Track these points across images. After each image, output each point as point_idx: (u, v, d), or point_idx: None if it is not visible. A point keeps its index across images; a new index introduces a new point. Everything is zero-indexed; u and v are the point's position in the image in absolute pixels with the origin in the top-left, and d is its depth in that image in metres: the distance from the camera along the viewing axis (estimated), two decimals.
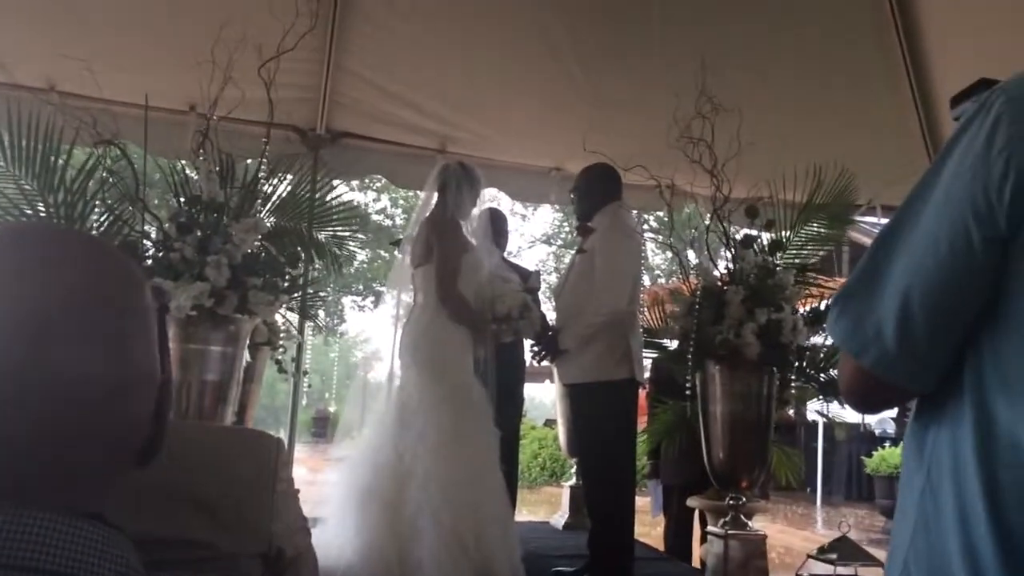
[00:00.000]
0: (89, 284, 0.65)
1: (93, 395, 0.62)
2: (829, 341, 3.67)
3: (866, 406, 1.06)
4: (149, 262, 2.96)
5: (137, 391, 0.66)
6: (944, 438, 0.88)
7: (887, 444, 10.69)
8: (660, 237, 14.00)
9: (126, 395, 0.65)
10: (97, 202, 3.27)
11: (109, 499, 0.65)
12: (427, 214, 3.71)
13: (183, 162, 3.35)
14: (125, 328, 0.66)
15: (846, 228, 4.02)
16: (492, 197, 6.89)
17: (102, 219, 3.26)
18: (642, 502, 4.81)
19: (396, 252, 4.35)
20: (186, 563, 1.02)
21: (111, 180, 3.21)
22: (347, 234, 3.99)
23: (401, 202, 18.25)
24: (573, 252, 4.20)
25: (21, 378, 0.60)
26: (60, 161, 3.27)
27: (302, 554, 1.17)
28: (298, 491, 1.22)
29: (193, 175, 3.23)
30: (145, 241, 3.09)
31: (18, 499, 0.59)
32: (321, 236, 3.84)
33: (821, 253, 3.97)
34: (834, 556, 3.30)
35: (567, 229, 18.50)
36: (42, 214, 3.17)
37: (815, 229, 3.80)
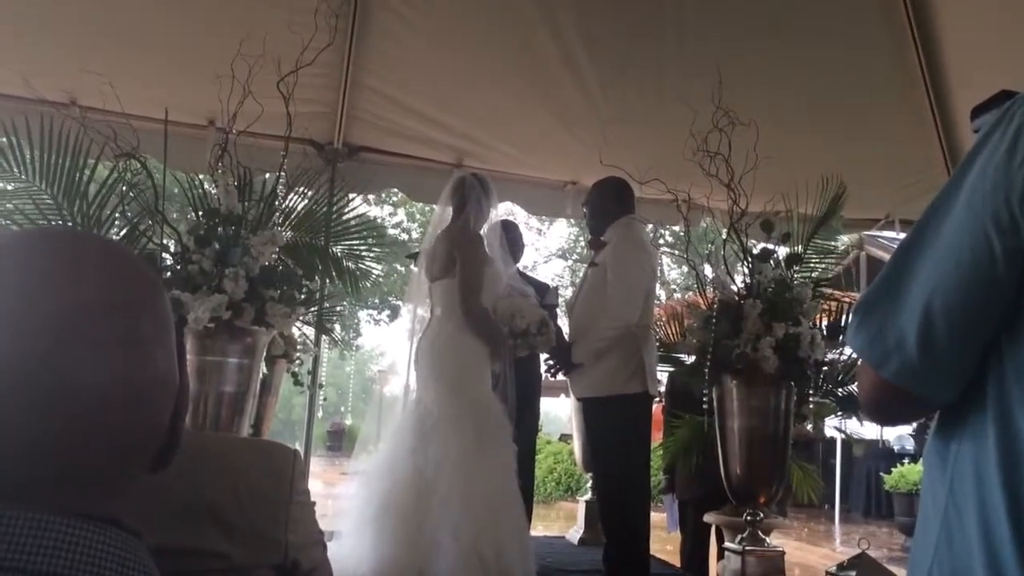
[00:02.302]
0: (109, 289, 0.65)
1: (111, 400, 0.62)
2: (848, 356, 3.64)
3: (886, 418, 1.05)
4: (168, 274, 2.97)
5: (154, 397, 0.67)
6: (967, 451, 0.87)
7: (906, 461, 10.58)
8: (676, 251, 13.96)
9: (143, 401, 0.65)
10: (117, 215, 3.30)
11: (126, 508, 0.65)
12: (444, 227, 3.70)
13: (202, 176, 3.37)
14: (144, 334, 0.66)
15: (836, 238, 4.00)
16: (508, 211, 6.91)
17: (121, 232, 3.29)
18: (658, 517, 4.77)
19: (412, 266, 4.35)
20: (201, 574, 1.02)
21: (131, 194, 3.23)
22: (364, 248, 4.00)
23: (418, 216, 18.32)
24: (586, 266, 4.19)
25: (39, 382, 0.60)
26: (83, 176, 3.31)
27: (318, 567, 1.16)
28: (314, 503, 1.22)
29: (212, 189, 3.25)
30: (164, 254, 3.11)
31: (35, 503, 0.59)
32: (338, 250, 3.85)
33: (838, 268, 3.95)
34: (853, 573, 3.25)
35: (583, 243, 18.48)
36: None
37: (822, 243, 3.78)
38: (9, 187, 3.43)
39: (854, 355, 3.39)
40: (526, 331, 3.55)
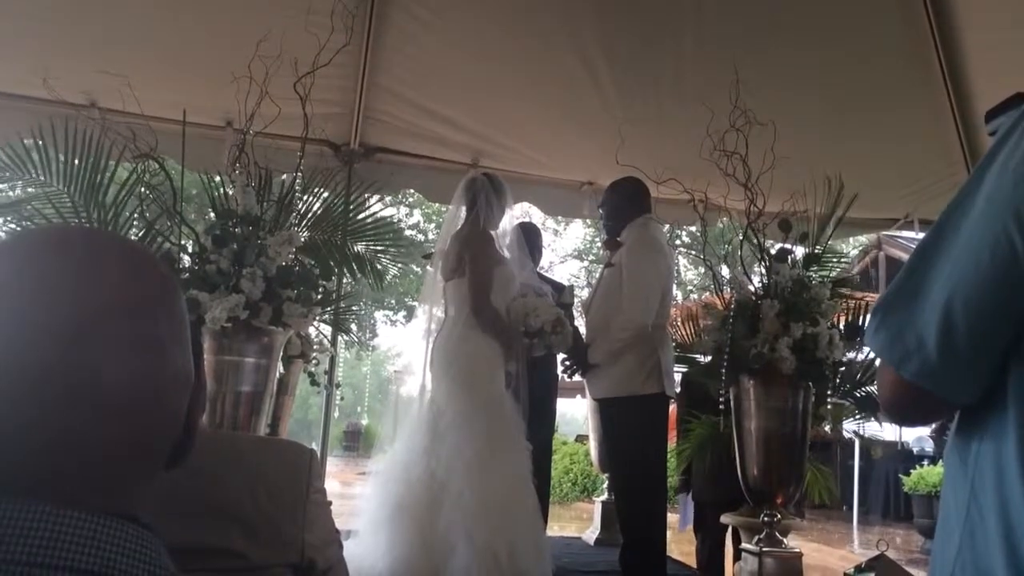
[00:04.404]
0: (127, 288, 0.65)
1: (128, 398, 0.63)
2: (866, 356, 3.62)
3: (906, 419, 1.04)
4: (185, 274, 2.99)
5: (171, 395, 0.67)
6: (987, 451, 0.86)
7: (925, 462, 10.49)
8: (693, 251, 13.92)
9: (160, 398, 0.66)
10: (135, 215, 3.32)
11: (142, 505, 0.66)
12: (456, 227, 3.71)
13: (219, 176, 3.39)
14: (161, 332, 0.66)
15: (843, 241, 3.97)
16: (524, 212, 6.90)
17: (139, 232, 3.31)
18: (673, 518, 4.75)
19: (428, 266, 4.36)
20: (218, 572, 1.02)
21: (149, 194, 3.25)
22: (381, 248, 4.01)
23: (434, 217, 18.33)
24: (602, 266, 4.18)
25: (58, 379, 0.60)
26: (102, 177, 3.33)
27: (334, 566, 1.17)
28: (330, 503, 1.22)
29: (229, 189, 3.26)
30: (181, 254, 3.13)
31: (54, 499, 0.59)
32: (356, 248, 3.86)
33: (856, 268, 3.93)
34: (871, 575, 3.23)
35: (599, 244, 18.42)
36: None
37: (832, 244, 3.76)
38: (29, 188, 3.45)
39: (873, 356, 3.38)
40: (542, 330, 3.55)
